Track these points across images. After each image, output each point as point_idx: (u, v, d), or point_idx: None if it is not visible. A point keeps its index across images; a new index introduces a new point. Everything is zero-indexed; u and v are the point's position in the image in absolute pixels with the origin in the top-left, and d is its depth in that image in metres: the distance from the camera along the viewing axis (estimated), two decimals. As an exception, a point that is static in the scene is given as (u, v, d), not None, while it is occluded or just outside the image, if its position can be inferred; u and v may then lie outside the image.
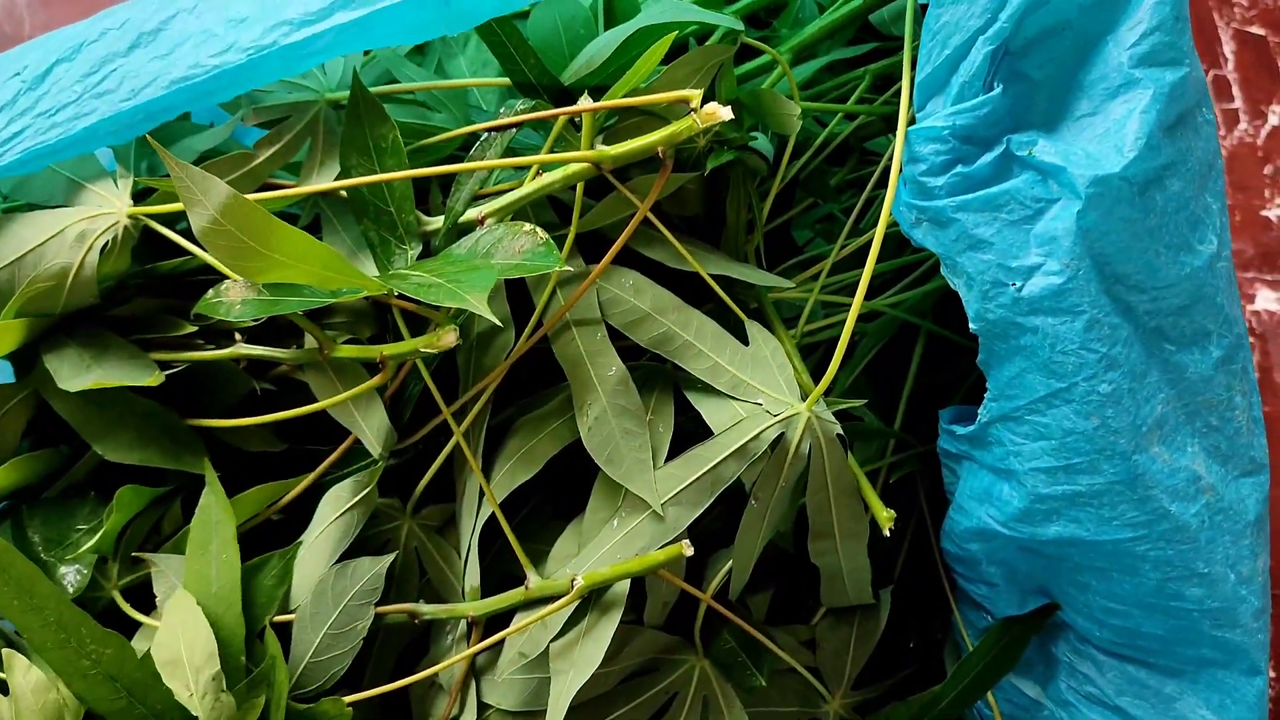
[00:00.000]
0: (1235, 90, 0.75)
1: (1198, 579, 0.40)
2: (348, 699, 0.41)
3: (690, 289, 0.45)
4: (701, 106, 0.38)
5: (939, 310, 0.54)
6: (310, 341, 0.43)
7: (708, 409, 0.44)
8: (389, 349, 0.41)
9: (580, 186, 0.44)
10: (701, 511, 0.42)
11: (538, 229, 0.39)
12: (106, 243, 0.43)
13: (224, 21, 0.41)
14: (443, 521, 0.48)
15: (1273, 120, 0.74)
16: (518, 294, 0.45)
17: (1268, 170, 0.73)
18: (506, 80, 0.47)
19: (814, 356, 0.52)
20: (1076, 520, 0.40)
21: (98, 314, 0.45)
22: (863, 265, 0.40)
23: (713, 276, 0.45)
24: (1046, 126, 0.39)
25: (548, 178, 0.42)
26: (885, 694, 0.51)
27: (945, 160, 0.38)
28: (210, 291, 0.40)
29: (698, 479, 0.42)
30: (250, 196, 0.38)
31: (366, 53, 0.51)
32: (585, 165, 0.41)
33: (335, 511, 0.44)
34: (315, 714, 0.41)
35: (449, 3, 0.42)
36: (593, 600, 0.43)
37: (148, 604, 0.44)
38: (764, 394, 0.43)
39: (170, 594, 0.41)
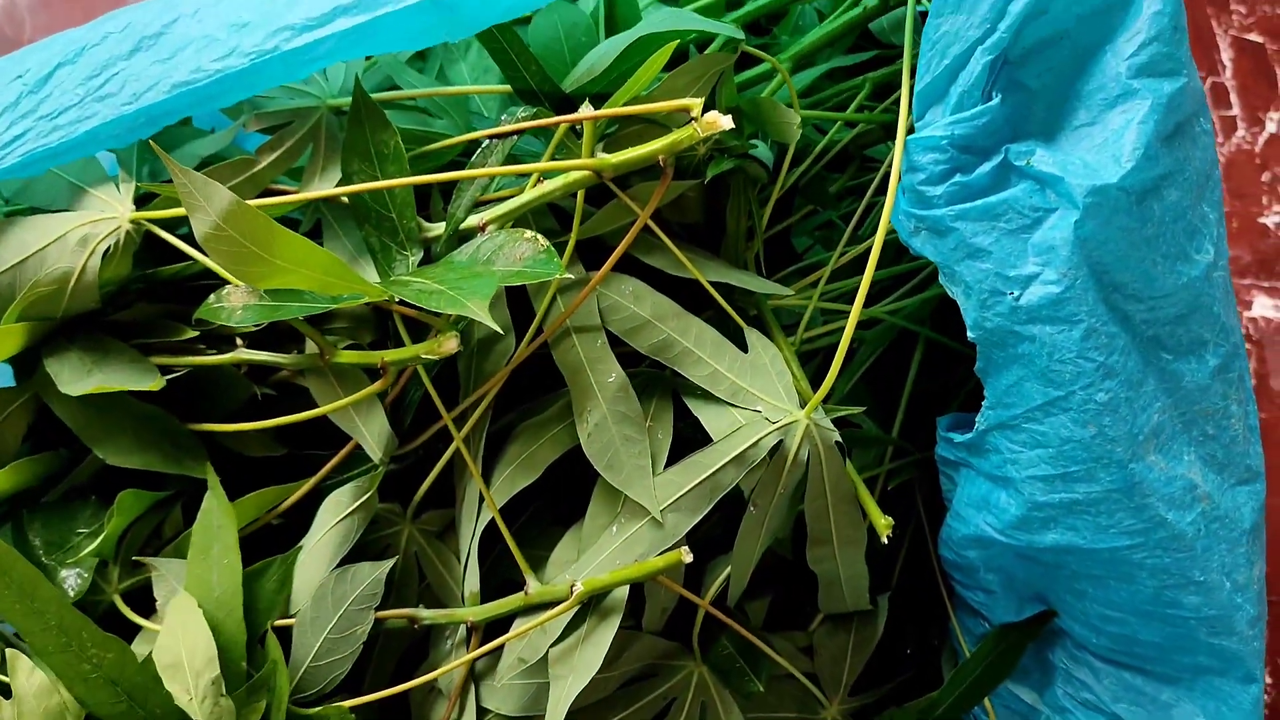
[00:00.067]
0: (1233, 97, 0.75)
1: (1194, 587, 0.41)
2: (348, 704, 0.41)
3: (690, 296, 0.45)
4: (702, 115, 0.39)
5: (937, 317, 0.54)
6: (311, 347, 0.43)
7: (707, 416, 0.44)
8: (390, 355, 0.42)
9: (581, 194, 0.44)
10: (700, 518, 0.43)
11: (538, 236, 0.39)
12: (108, 247, 0.43)
13: (226, 26, 0.41)
14: (443, 527, 0.48)
15: (1270, 127, 0.74)
16: (518, 300, 0.46)
17: (1265, 177, 0.73)
18: (508, 87, 0.47)
19: (813, 363, 0.52)
20: (1073, 528, 0.41)
21: (99, 318, 0.45)
22: (862, 272, 0.40)
23: (712, 283, 0.45)
24: (1045, 136, 0.39)
25: (548, 185, 0.42)
26: (882, 700, 0.51)
27: (944, 169, 0.39)
28: (212, 296, 0.40)
29: (697, 485, 0.42)
30: (252, 202, 0.38)
31: (368, 59, 0.51)
32: (586, 173, 0.41)
33: (335, 516, 0.45)
34: (316, 719, 0.41)
35: (450, 9, 0.42)
36: (592, 606, 0.43)
37: (148, 608, 0.44)
38: (763, 401, 0.43)
39: (170, 598, 0.42)
